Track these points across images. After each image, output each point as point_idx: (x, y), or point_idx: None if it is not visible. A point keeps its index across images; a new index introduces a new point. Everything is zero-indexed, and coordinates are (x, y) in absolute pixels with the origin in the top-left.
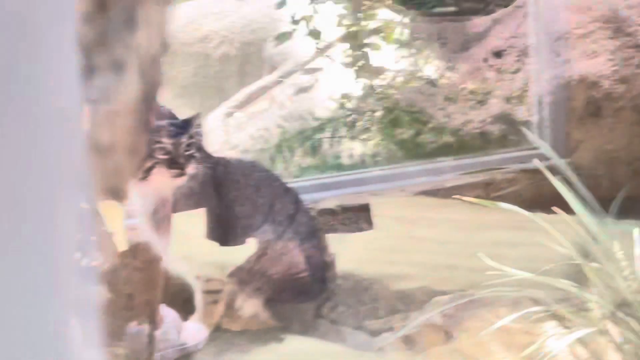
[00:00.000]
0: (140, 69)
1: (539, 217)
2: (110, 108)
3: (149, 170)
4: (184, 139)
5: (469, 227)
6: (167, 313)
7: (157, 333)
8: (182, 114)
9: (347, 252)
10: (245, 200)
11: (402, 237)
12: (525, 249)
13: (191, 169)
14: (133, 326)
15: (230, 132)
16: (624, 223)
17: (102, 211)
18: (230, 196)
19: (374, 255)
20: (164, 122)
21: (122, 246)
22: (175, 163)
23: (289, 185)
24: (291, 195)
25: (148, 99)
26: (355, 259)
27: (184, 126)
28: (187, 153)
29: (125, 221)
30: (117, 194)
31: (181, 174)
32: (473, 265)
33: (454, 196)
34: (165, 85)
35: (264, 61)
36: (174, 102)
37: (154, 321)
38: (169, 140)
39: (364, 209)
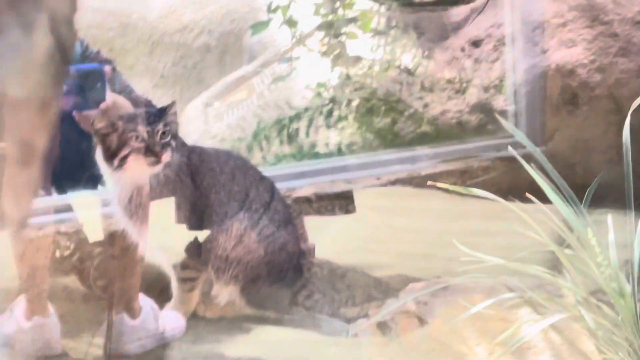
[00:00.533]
0: (51, 27)
1: (514, 205)
2: (20, 64)
3: (124, 159)
4: (160, 127)
5: (445, 217)
6: (145, 302)
7: (136, 322)
8: (162, 104)
9: (324, 240)
10: (220, 188)
11: (379, 226)
12: (501, 237)
13: (166, 157)
14: (110, 315)
15: (210, 122)
16: (598, 211)
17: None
18: (205, 184)
19: (350, 244)
20: (139, 111)
21: (96, 236)
22: (150, 151)
23: (264, 173)
24: (266, 183)
25: (60, 56)
26: (332, 247)
27: (159, 114)
28: (163, 141)
29: (99, 210)
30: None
31: (157, 162)
32: (449, 254)
33: (429, 182)
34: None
35: (243, 51)
36: (153, 92)
37: (131, 310)
38: (144, 128)
39: (343, 197)
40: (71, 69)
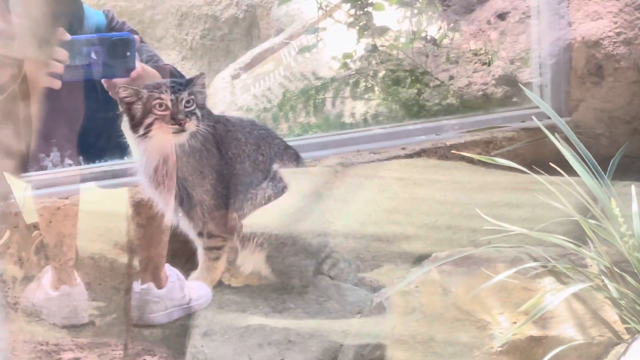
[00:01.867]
0: None
1: (538, 176)
2: None
3: (149, 126)
4: (184, 96)
5: (470, 188)
6: (171, 272)
7: (162, 292)
8: (190, 75)
9: (349, 210)
10: (245, 157)
11: (403, 198)
12: (525, 209)
13: (191, 125)
14: (138, 284)
15: (237, 93)
16: (623, 181)
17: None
18: (230, 153)
19: (375, 214)
20: (165, 80)
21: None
22: (174, 119)
23: (290, 143)
24: (291, 153)
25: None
26: (357, 219)
27: (185, 84)
28: (187, 109)
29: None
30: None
31: (181, 130)
32: (474, 225)
33: (452, 151)
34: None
35: (270, 23)
36: (182, 64)
37: (158, 279)
38: (169, 96)
39: None
40: (101, 36)
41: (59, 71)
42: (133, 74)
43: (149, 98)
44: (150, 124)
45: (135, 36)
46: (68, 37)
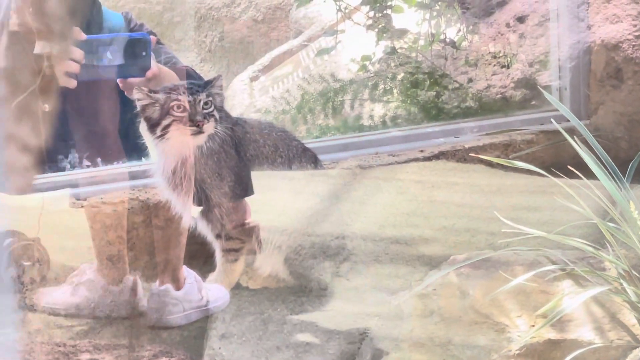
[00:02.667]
0: None
1: (557, 179)
2: None
3: (166, 128)
4: (202, 97)
5: (488, 191)
6: (189, 273)
7: (180, 293)
8: (208, 77)
9: (367, 214)
10: (264, 159)
11: (422, 201)
12: (544, 212)
13: (209, 127)
14: (156, 285)
15: (255, 95)
16: None
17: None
18: (249, 155)
19: (393, 218)
20: (182, 82)
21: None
22: (192, 120)
23: (309, 145)
24: (309, 155)
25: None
26: (375, 221)
27: (204, 85)
28: (205, 111)
29: None
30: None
31: (199, 132)
32: (492, 228)
33: (470, 154)
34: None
35: (289, 25)
36: (201, 66)
37: (176, 280)
38: (187, 97)
39: None
40: (117, 36)
41: (74, 70)
42: (149, 73)
43: (166, 100)
44: (168, 126)
45: (152, 37)
46: (84, 36)
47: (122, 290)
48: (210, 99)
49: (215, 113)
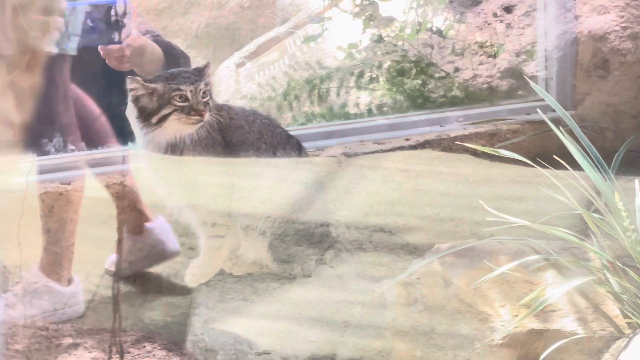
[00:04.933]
0: None
1: (542, 169)
2: None
3: (165, 117)
4: (202, 86)
5: (474, 181)
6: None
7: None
8: (195, 64)
9: (352, 202)
10: (249, 145)
11: (407, 190)
12: (529, 202)
13: (208, 116)
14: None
15: (241, 82)
16: (627, 175)
17: None
18: (234, 141)
19: (378, 206)
20: (178, 70)
21: None
22: (194, 109)
23: (294, 132)
24: (293, 142)
25: None
26: (359, 209)
27: (199, 74)
28: (204, 100)
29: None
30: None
31: (200, 121)
32: (477, 218)
33: (456, 142)
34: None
35: (276, 12)
36: (187, 52)
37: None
38: (188, 87)
39: None
40: (96, 3)
41: (54, 37)
42: (129, 40)
43: (166, 89)
44: (167, 115)
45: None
46: (65, 4)
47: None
48: (209, 88)
49: (210, 101)
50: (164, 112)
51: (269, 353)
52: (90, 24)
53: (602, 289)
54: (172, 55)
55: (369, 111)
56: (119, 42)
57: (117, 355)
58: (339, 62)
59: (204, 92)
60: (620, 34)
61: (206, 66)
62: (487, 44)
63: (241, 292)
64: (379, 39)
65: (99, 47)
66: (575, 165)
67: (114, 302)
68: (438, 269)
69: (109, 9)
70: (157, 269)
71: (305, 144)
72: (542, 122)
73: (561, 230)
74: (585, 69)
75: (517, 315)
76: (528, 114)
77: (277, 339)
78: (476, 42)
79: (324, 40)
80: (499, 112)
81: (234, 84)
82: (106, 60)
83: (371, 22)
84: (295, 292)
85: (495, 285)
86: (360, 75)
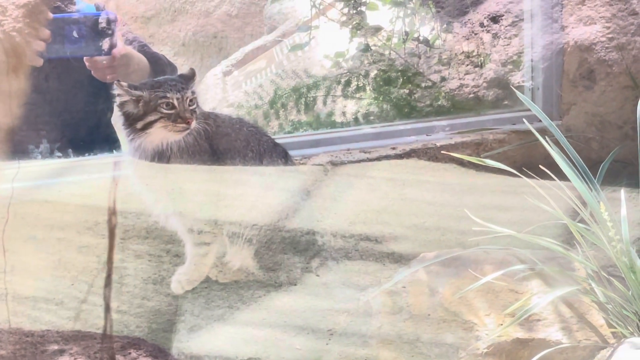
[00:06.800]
0: None
1: (528, 179)
2: None
3: (150, 124)
4: (189, 94)
5: (459, 190)
6: None
7: None
8: (182, 71)
9: (338, 211)
10: (236, 153)
11: (393, 198)
12: (515, 212)
13: (194, 123)
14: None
15: (228, 90)
16: (613, 185)
17: None
18: (221, 149)
19: (364, 215)
20: (164, 78)
21: None
22: (181, 117)
23: (281, 140)
24: (279, 150)
25: None
26: (345, 218)
27: (186, 82)
28: (191, 108)
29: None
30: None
31: (186, 129)
32: (463, 227)
33: (442, 151)
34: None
35: (263, 21)
36: (174, 60)
37: None
38: (174, 94)
39: None
40: (83, 15)
41: (41, 49)
42: (115, 52)
43: (152, 97)
44: (153, 122)
45: (118, 17)
46: (50, 15)
47: None
48: (195, 96)
49: (197, 109)
50: (150, 118)
51: None
52: (76, 35)
53: (587, 298)
54: (159, 65)
55: (356, 120)
56: (106, 53)
57: None
58: (326, 70)
59: (191, 100)
60: (606, 45)
61: (191, 73)
62: (474, 53)
63: (227, 300)
64: (366, 48)
65: (85, 59)
66: (561, 175)
67: (105, 308)
68: (424, 277)
69: (95, 20)
70: (142, 275)
71: (291, 152)
72: (528, 132)
73: (547, 240)
74: (571, 80)
75: (502, 324)
76: (514, 124)
77: (263, 347)
78: (463, 52)
79: (311, 48)
80: (485, 122)
81: (221, 92)
82: (92, 72)
83: (358, 31)
84: (280, 300)
85: (481, 295)
86: (347, 84)
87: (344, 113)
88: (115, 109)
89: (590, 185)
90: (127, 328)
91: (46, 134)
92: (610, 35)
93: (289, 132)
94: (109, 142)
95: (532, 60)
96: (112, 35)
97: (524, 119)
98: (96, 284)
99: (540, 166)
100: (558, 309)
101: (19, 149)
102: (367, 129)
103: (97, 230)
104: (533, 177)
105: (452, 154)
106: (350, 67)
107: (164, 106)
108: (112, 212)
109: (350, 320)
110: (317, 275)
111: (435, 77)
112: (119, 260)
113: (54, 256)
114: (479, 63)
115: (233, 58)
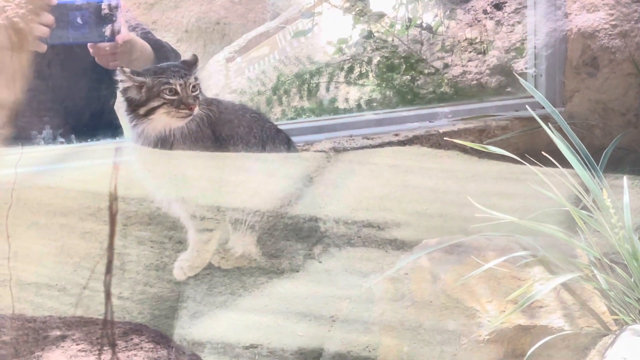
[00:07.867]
0: None
1: (530, 166)
2: None
3: (152, 110)
4: (192, 80)
5: (462, 177)
6: None
7: None
8: (185, 58)
9: (340, 197)
10: (238, 139)
11: (395, 185)
12: (518, 199)
13: (197, 109)
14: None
15: (231, 76)
16: (616, 173)
17: None
18: (224, 135)
19: (367, 201)
20: (167, 64)
21: None
22: (184, 103)
23: (284, 127)
24: (282, 136)
25: None
26: (348, 204)
27: (189, 68)
28: (194, 94)
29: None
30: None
31: (189, 115)
32: (465, 214)
33: (445, 138)
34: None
35: (267, 7)
36: (177, 46)
37: None
38: (177, 81)
39: None
40: (86, 1)
41: (44, 35)
42: (119, 38)
43: (155, 83)
44: (155, 108)
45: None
46: (54, 1)
47: None
48: (198, 82)
49: (200, 95)
50: (153, 104)
51: (256, 347)
52: (80, 21)
53: (590, 285)
54: (162, 52)
55: (358, 106)
56: (109, 40)
57: (108, 347)
58: (329, 57)
59: (194, 86)
60: (609, 32)
61: (194, 60)
62: (477, 40)
63: (229, 286)
64: (369, 35)
65: (89, 45)
66: (564, 162)
67: (106, 294)
68: (426, 264)
69: (99, 6)
70: (145, 262)
71: (294, 139)
72: (531, 119)
73: (549, 227)
74: (574, 67)
75: (504, 311)
76: (517, 111)
77: (265, 333)
78: (466, 39)
79: (314, 35)
80: (488, 109)
81: (224, 78)
82: (95, 58)
83: (361, 18)
84: (283, 287)
85: (483, 281)
86: (350, 70)
87: (346, 99)
88: (118, 95)
89: (593, 172)
90: (129, 314)
91: (49, 119)
92: (613, 23)
93: (292, 119)
94: (112, 128)
95: (535, 47)
96: (115, 21)
97: (527, 106)
98: (98, 270)
99: (543, 153)
100: (560, 296)
101: (22, 135)
102: (369, 116)
103: (99, 217)
104: (536, 164)
105: (454, 140)
106: (353, 53)
107: (167, 92)
108: (114, 198)
109: (352, 307)
110: (320, 262)
111: (438, 64)
112: (121, 246)
113: (56, 242)
114: (482, 50)
115: (236, 44)
